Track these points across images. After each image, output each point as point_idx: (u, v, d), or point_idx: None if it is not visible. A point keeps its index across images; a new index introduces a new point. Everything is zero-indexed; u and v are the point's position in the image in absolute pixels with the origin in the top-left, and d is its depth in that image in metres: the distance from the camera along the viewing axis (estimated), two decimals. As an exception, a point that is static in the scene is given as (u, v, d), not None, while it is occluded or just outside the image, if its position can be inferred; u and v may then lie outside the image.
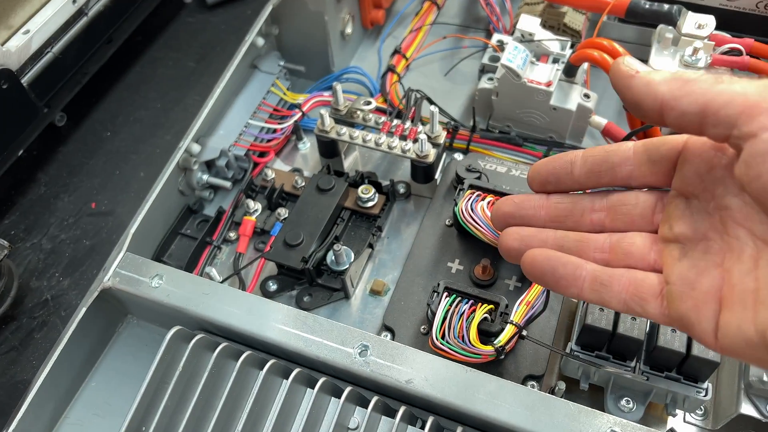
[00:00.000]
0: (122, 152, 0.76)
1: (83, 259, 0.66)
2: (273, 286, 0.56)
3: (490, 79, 0.65)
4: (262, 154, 0.66)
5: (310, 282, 0.56)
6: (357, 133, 0.59)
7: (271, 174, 0.62)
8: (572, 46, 0.62)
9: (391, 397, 0.43)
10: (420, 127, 0.59)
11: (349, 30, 0.72)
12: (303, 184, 0.62)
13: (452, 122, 0.66)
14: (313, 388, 0.42)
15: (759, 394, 0.44)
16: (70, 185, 0.73)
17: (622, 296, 0.31)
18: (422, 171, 0.59)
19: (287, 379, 0.42)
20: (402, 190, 0.62)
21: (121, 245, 0.50)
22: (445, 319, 0.47)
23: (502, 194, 0.53)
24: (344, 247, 0.55)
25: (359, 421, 0.42)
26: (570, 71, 0.61)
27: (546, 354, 0.48)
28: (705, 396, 0.43)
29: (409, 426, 0.42)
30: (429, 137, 0.58)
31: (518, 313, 0.46)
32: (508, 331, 0.46)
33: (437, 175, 0.60)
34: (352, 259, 0.55)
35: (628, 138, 0.57)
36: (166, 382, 0.43)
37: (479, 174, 0.57)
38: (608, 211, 0.34)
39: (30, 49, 0.67)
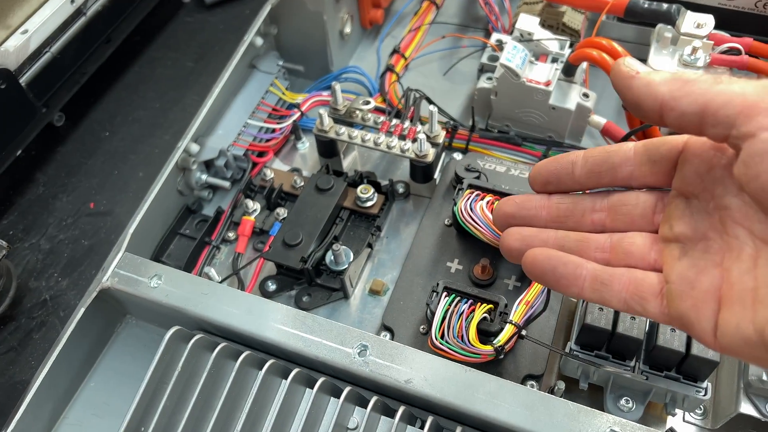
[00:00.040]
0: (121, 152, 0.76)
1: (82, 259, 0.66)
2: (272, 286, 0.56)
3: (489, 78, 0.65)
4: (260, 154, 0.66)
5: (309, 282, 0.56)
6: (356, 132, 0.59)
7: (270, 174, 0.62)
8: (571, 46, 0.62)
9: (391, 397, 0.43)
10: (419, 127, 0.59)
11: (347, 29, 0.72)
12: (302, 183, 0.62)
13: (451, 122, 0.66)
14: (312, 388, 0.42)
15: (758, 394, 0.44)
16: (68, 185, 0.73)
17: (623, 295, 0.31)
18: (421, 171, 0.59)
19: (286, 379, 0.42)
20: (401, 190, 0.62)
21: (119, 245, 0.50)
22: (444, 318, 0.47)
23: (501, 194, 0.53)
24: (343, 246, 0.55)
25: (358, 421, 0.42)
26: (569, 71, 0.61)
27: (545, 353, 0.48)
28: (704, 395, 0.43)
29: (408, 426, 0.42)
30: (428, 137, 0.58)
31: (517, 312, 0.46)
32: (508, 330, 0.46)
33: (436, 175, 0.60)
34: (351, 259, 0.55)
35: (627, 137, 0.57)
36: (165, 383, 0.42)
37: (478, 173, 0.57)
38: (609, 211, 0.34)
39: (28, 49, 0.67)
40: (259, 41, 0.67)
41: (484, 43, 0.72)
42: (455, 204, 0.53)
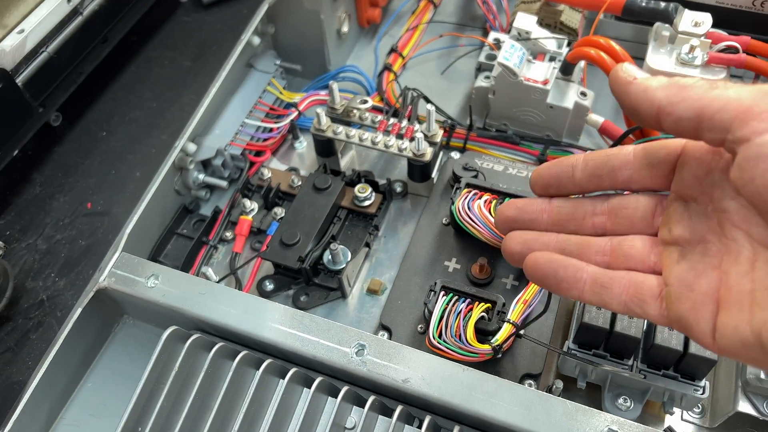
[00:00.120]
0: (118, 152, 0.76)
1: (79, 259, 0.66)
2: (270, 286, 0.56)
3: (487, 77, 0.64)
4: (258, 154, 0.65)
5: (307, 281, 0.56)
6: (353, 131, 0.59)
7: (267, 173, 0.62)
8: (569, 44, 0.62)
9: (388, 397, 0.43)
10: (417, 126, 0.59)
11: (345, 28, 0.72)
12: (299, 183, 0.62)
13: (449, 121, 0.66)
14: (309, 387, 0.42)
15: (756, 392, 0.44)
16: (65, 185, 0.73)
17: (623, 298, 0.31)
18: (419, 170, 0.59)
19: (284, 378, 0.42)
20: (399, 189, 0.62)
21: (116, 245, 0.50)
22: (442, 318, 0.47)
23: (499, 193, 0.53)
24: (341, 246, 0.55)
25: (356, 421, 0.42)
26: (567, 69, 0.61)
27: (543, 353, 0.48)
28: (702, 394, 0.43)
29: (406, 425, 0.42)
30: (426, 136, 0.58)
31: (515, 311, 0.46)
32: (505, 329, 0.46)
33: (434, 174, 0.60)
34: (348, 259, 0.55)
35: (625, 135, 0.57)
36: (162, 383, 0.42)
37: (476, 172, 0.56)
38: (609, 215, 0.34)
39: (25, 49, 0.67)
40: (257, 40, 0.67)
41: (481, 41, 0.72)
42: (453, 203, 0.53)
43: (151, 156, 0.75)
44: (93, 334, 0.51)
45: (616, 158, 0.33)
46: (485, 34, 0.74)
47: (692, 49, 0.57)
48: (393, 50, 0.72)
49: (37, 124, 0.71)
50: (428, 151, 0.57)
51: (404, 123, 0.59)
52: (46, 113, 0.72)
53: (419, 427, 0.41)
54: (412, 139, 0.57)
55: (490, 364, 0.47)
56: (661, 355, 0.43)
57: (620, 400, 0.46)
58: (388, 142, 0.58)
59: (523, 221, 0.36)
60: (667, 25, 0.60)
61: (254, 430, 0.42)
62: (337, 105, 0.61)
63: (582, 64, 0.63)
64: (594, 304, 0.33)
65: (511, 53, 0.59)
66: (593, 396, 0.48)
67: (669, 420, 0.48)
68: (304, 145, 0.68)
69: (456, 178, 0.57)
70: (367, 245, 0.58)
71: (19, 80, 0.67)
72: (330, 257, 0.55)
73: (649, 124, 0.30)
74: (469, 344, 0.45)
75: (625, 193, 0.34)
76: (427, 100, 0.65)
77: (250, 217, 0.61)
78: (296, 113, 0.66)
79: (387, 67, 0.71)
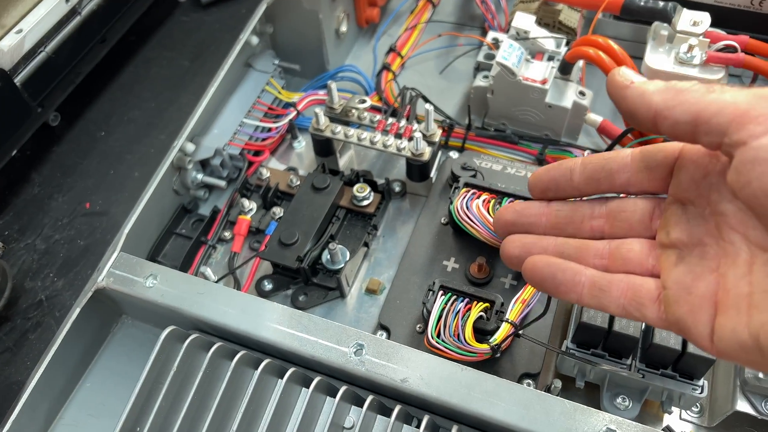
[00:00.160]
0: (116, 152, 0.76)
1: (77, 259, 0.66)
2: (268, 286, 0.56)
3: (486, 77, 0.64)
4: (257, 153, 0.65)
5: (306, 281, 0.56)
6: (352, 131, 0.59)
7: (266, 173, 0.62)
8: (567, 44, 0.62)
9: (387, 396, 0.43)
10: (415, 126, 0.59)
11: (343, 28, 0.72)
12: (298, 183, 0.62)
13: (447, 120, 0.66)
14: (308, 387, 0.42)
15: (754, 391, 0.44)
16: (64, 185, 0.73)
17: (621, 301, 0.31)
18: (417, 169, 0.59)
19: (282, 378, 0.42)
20: (397, 189, 0.62)
21: (115, 245, 0.50)
22: (440, 317, 0.47)
23: (497, 192, 0.53)
24: (339, 246, 0.55)
25: (354, 421, 0.42)
26: (565, 69, 0.61)
27: (542, 352, 0.48)
28: (701, 393, 0.43)
29: (404, 425, 0.42)
30: (424, 135, 0.58)
31: (514, 311, 0.46)
32: (504, 329, 0.46)
33: (432, 174, 0.60)
34: (347, 258, 0.55)
35: (623, 135, 0.57)
36: (160, 382, 0.42)
37: (474, 172, 0.56)
38: (607, 218, 0.34)
39: (23, 49, 0.67)
40: (255, 40, 0.67)
41: (480, 41, 0.72)
42: (451, 203, 0.53)
43: (150, 156, 0.74)
44: (91, 334, 0.51)
45: (613, 161, 0.33)
46: (484, 33, 0.74)
47: (691, 48, 0.57)
48: (391, 50, 0.72)
49: (36, 124, 0.71)
50: (427, 151, 0.57)
51: (403, 122, 0.59)
52: (44, 113, 0.72)
53: (418, 426, 0.41)
54: (410, 139, 0.57)
55: (489, 364, 0.47)
56: (660, 355, 0.43)
57: (619, 400, 0.46)
58: (386, 142, 0.58)
59: (521, 225, 0.36)
60: (665, 25, 0.60)
61: (253, 430, 0.42)
62: (335, 105, 0.61)
63: (580, 63, 0.63)
64: (592, 308, 0.33)
65: (509, 53, 0.59)
66: (592, 395, 0.48)
67: (667, 419, 0.48)
68: (302, 144, 0.68)
69: (454, 178, 0.57)
70: (366, 245, 0.58)
71: (18, 80, 0.67)
72: (329, 257, 0.55)
73: (646, 128, 0.30)
74: (468, 344, 0.45)
75: (623, 196, 0.35)
76: (426, 100, 0.65)
77: (248, 216, 0.61)
78: (295, 113, 0.66)
79: (385, 67, 0.71)
